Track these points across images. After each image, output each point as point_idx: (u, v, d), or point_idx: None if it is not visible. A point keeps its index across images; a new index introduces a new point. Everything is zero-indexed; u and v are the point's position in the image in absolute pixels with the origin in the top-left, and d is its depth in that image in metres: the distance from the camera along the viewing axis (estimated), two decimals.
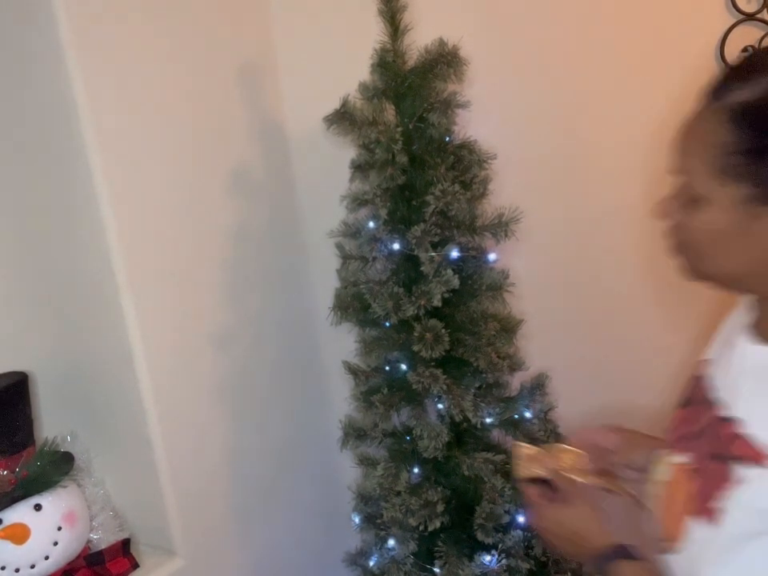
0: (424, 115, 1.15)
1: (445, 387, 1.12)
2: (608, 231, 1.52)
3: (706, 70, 1.46)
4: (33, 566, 1.06)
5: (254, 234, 1.34)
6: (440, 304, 1.11)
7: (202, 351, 1.23)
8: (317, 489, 1.49)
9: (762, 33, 1.43)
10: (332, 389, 1.33)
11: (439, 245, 1.14)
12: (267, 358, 1.36)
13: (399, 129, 1.13)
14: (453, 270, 1.11)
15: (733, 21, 1.42)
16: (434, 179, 1.13)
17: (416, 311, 1.12)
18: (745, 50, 1.43)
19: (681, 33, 1.42)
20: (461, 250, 1.15)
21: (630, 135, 1.46)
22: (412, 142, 1.15)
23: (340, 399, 1.40)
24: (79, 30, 1.00)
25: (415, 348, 1.12)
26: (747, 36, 1.43)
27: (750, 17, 1.42)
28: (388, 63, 1.15)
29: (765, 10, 1.42)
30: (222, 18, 1.25)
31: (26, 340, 1.03)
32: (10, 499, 1.04)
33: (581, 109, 1.44)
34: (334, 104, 1.21)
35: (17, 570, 1.05)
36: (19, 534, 1.04)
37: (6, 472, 1.06)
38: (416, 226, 1.12)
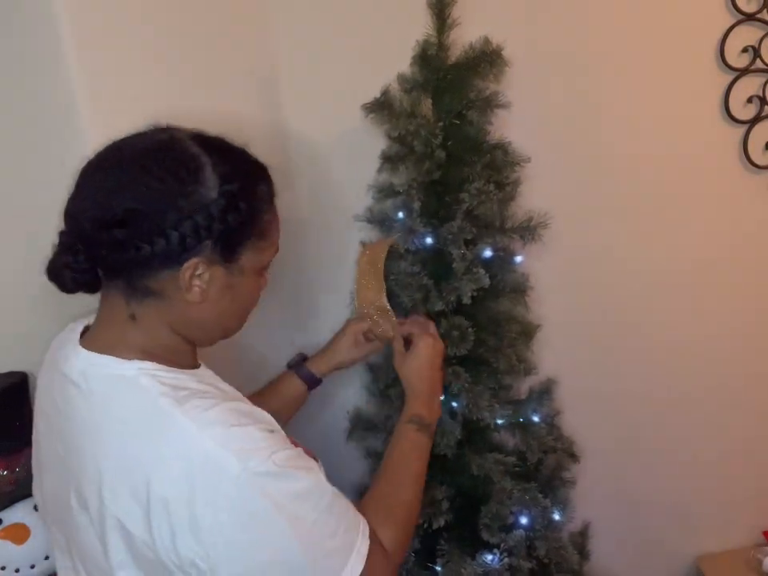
0: (462, 112, 1.14)
1: (466, 385, 1.11)
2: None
3: (706, 70, 1.48)
4: (33, 566, 1.05)
5: None
6: (470, 302, 1.10)
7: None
8: None
9: (762, 33, 1.43)
10: (336, 381, 1.32)
11: (470, 243, 1.13)
12: (274, 355, 1.35)
13: (440, 124, 1.12)
14: (483, 269, 1.11)
15: (733, 21, 1.42)
16: (470, 177, 1.12)
17: (444, 307, 1.11)
18: (745, 50, 1.44)
19: (681, 33, 1.43)
20: (491, 250, 1.15)
21: (629, 133, 1.47)
22: (448, 138, 1.14)
23: (343, 391, 1.40)
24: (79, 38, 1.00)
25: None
26: (747, 36, 1.43)
27: (750, 17, 1.42)
28: (430, 56, 1.14)
29: (765, 9, 1.42)
30: (222, 22, 1.25)
31: (26, 340, 1.03)
32: (9, 499, 1.03)
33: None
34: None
35: (17, 570, 1.05)
36: (19, 534, 1.03)
37: (5, 472, 1.05)
38: (452, 222, 1.11)
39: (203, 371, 0.84)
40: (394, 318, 1.14)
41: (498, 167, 1.16)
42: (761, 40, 1.43)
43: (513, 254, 1.21)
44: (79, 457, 0.74)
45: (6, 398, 1.06)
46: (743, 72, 1.45)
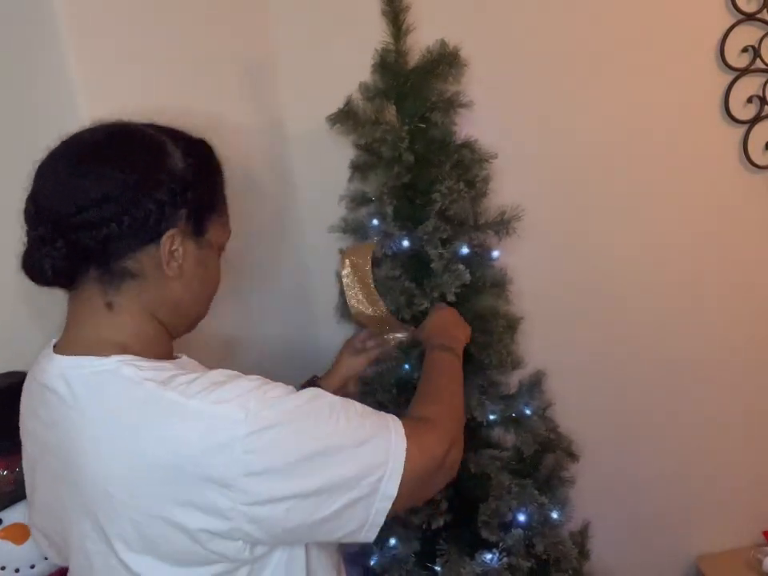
0: (426, 115, 1.15)
1: None
2: (608, 229, 1.53)
3: (706, 70, 1.49)
4: (33, 566, 1.05)
5: (254, 234, 1.33)
6: (454, 298, 1.11)
7: (203, 351, 1.22)
8: None
9: (762, 33, 1.43)
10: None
11: (447, 242, 1.14)
12: (267, 355, 1.35)
13: (405, 128, 1.13)
14: (463, 265, 1.12)
15: (733, 21, 1.42)
16: (439, 178, 1.13)
17: (429, 305, 1.12)
18: (745, 49, 1.44)
19: (681, 33, 1.43)
20: (468, 247, 1.16)
21: (630, 134, 1.47)
22: (414, 142, 1.15)
23: None
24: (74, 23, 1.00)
25: None
26: (747, 36, 1.43)
27: (750, 17, 1.42)
28: (390, 63, 1.15)
29: (765, 9, 1.42)
30: (222, 18, 1.25)
31: (26, 340, 1.03)
32: (9, 499, 1.03)
33: (581, 108, 1.45)
34: (334, 104, 1.21)
35: (17, 570, 1.04)
36: (19, 534, 1.03)
37: (5, 472, 1.05)
38: (427, 222, 1.12)
39: (183, 360, 0.83)
40: (396, 321, 1.15)
41: (467, 166, 1.18)
42: (761, 40, 1.44)
43: (489, 250, 1.22)
44: (74, 462, 0.73)
45: (6, 398, 1.06)
46: (743, 72, 1.45)
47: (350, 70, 1.25)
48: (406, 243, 1.16)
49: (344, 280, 1.18)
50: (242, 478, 0.68)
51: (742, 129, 1.50)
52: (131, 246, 0.74)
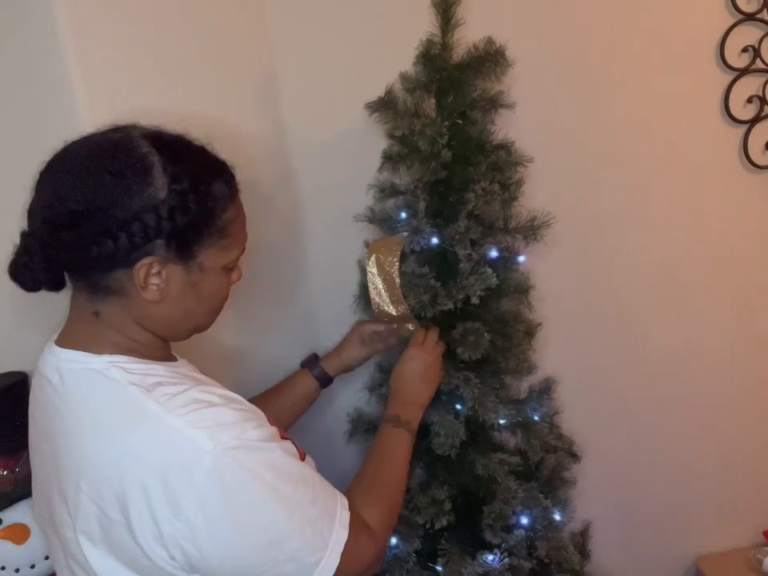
0: (466, 112, 1.13)
1: (476, 391, 1.12)
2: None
3: (706, 70, 1.48)
4: (33, 566, 1.05)
5: (255, 241, 1.33)
6: (478, 301, 1.10)
7: (206, 361, 1.22)
8: None
9: (762, 33, 1.43)
10: (336, 383, 1.32)
11: (476, 243, 1.13)
12: (268, 356, 1.35)
13: (445, 123, 1.11)
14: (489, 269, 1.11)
15: (733, 21, 1.42)
16: (474, 177, 1.11)
17: (453, 306, 1.11)
18: (745, 49, 1.44)
19: (681, 33, 1.43)
20: (497, 251, 1.15)
21: (629, 134, 1.47)
22: (452, 138, 1.13)
23: (344, 393, 1.41)
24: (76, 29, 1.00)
25: (459, 350, 1.12)
26: (747, 36, 1.43)
27: (750, 17, 1.42)
28: (433, 56, 1.13)
29: (765, 9, 1.42)
30: (225, 22, 1.24)
31: (26, 340, 1.03)
32: (9, 499, 1.03)
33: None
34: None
35: (17, 570, 1.05)
36: (19, 534, 1.03)
37: (5, 472, 1.05)
38: (459, 222, 1.10)
39: (180, 363, 0.84)
40: (413, 327, 1.15)
41: (501, 167, 1.16)
42: (761, 40, 1.43)
43: (516, 254, 1.20)
44: (59, 450, 0.75)
45: (6, 398, 1.06)
46: (743, 72, 1.45)
47: (351, 74, 1.25)
48: (435, 240, 1.14)
49: (368, 275, 1.15)
50: (192, 508, 0.68)
51: (742, 129, 1.50)
52: (105, 267, 0.73)
